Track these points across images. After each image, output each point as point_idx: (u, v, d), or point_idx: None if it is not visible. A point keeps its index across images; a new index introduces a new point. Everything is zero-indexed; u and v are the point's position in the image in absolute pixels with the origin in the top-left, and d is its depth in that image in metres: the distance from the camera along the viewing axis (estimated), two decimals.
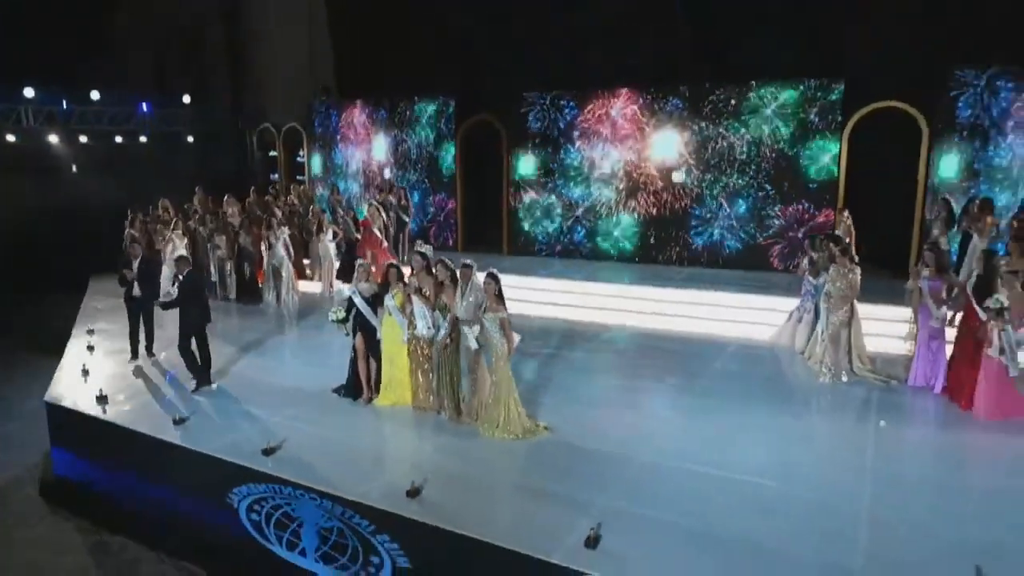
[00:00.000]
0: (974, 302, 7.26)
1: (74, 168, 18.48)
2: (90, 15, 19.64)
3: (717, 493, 5.73)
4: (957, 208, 10.88)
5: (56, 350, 12.77)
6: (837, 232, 10.43)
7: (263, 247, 12.51)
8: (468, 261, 7.16)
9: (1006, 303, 6.67)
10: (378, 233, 13.13)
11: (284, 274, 12.37)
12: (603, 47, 14.69)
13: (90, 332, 10.86)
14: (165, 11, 20.77)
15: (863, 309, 8.59)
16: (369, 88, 17.57)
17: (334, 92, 18.80)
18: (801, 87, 12.83)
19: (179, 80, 21.27)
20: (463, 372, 7.09)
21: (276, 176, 19.90)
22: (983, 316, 6.91)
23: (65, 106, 18.04)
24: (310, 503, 5.95)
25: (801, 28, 12.91)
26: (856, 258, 8.32)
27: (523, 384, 7.46)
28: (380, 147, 17.09)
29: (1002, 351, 6.63)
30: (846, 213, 11.69)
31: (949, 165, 12.08)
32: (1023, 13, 11.36)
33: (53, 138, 18.03)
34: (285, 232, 12.50)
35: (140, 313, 9.40)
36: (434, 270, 7.20)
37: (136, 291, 9.11)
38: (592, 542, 4.96)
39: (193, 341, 8.53)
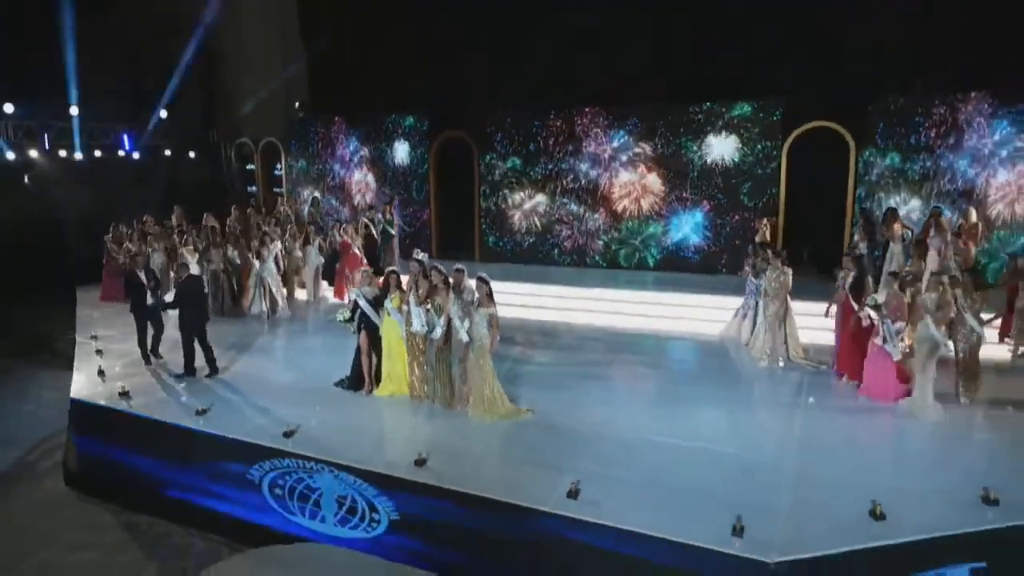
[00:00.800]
0: (851, 299, 8.67)
1: (27, 179, 18.84)
2: (64, 31, 20.08)
3: (677, 457, 6.90)
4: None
5: (44, 356, 13.49)
6: (756, 239, 11.85)
7: (254, 260, 12.93)
8: (460, 266, 8.24)
9: (880, 300, 8.03)
10: (358, 252, 13.75)
11: (274, 285, 12.96)
12: (569, 67, 15.88)
13: (93, 338, 11.55)
14: (139, 27, 21.34)
15: (798, 305, 9.92)
16: (345, 103, 18.45)
17: (309, 107, 19.59)
18: (747, 107, 14.26)
19: (156, 95, 21.81)
20: (454, 363, 8.13)
21: (254, 188, 20.63)
22: (856, 309, 8.38)
23: (45, 121, 18.52)
24: (329, 475, 6.92)
25: (748, 54, 14.33)
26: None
27: (505, 374, 8.53)
28: (357, 161, 18.02)
29: (885, 340, 7.94)
30: (765, 221, 13.07)
31: (872, 178, 13.68)
32: (938, 44, 12.94)
33: (33, 153, 18.47)
34: (278, 245, 13.20)
35: (148, 320, 10.19)
36: (430, 275, 8.24)
37: (149, 299, 9.89)
38: (574, 494, 6.06)
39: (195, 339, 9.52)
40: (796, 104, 14.11)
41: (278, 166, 20.10)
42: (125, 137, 19.84)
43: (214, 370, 9.56)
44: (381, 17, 17.98)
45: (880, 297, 8.12)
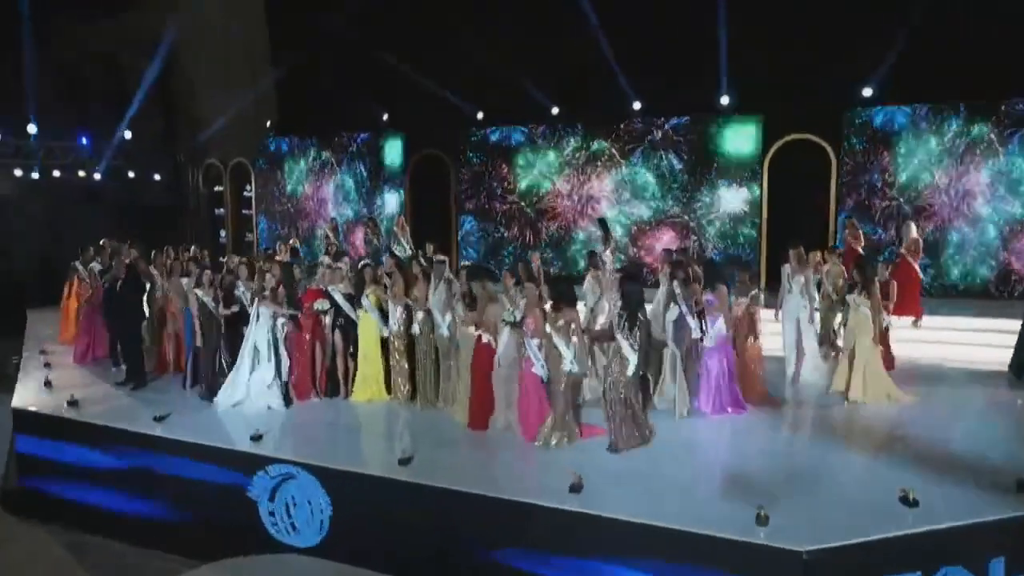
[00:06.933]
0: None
1: None
2: (16, 45, 19.46)
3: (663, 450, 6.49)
4: None
5: None
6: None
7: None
8: (441, 257, 7.74)
9: (518, 317, 6.75)
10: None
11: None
12: (542, 85, 15.74)
13: (42, 352, 10.71)
14: (99, 47, 20.81)
15: None
16: (317, 122, 18.01)
17: (280, 126, 19.08)
18: (724, 121, 14.16)
19: (114, 114, 21.16)
20: (441, 359, 7.58)
21: (221, 211, 19.97)
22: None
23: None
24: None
25: (720, 65, 14.31)
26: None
27: None
28: (330, 183, 17.58)
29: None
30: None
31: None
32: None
33: None
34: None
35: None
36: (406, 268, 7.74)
37: None
38: (577, 488, 5.49)
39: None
40: (775, 117, 14.06)
41: (248, 187, 19.50)
42: (84, 138, 19.03)
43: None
44: (355, 34, 17.73)
45: (517, 314, 6.75)
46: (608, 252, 11.04)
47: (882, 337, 8.35)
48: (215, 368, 8.03)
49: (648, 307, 6.94)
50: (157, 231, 16.34)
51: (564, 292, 6.64)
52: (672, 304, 7.72)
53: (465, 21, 15.53)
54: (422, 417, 7.56)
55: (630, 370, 6.30)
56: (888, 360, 8.54)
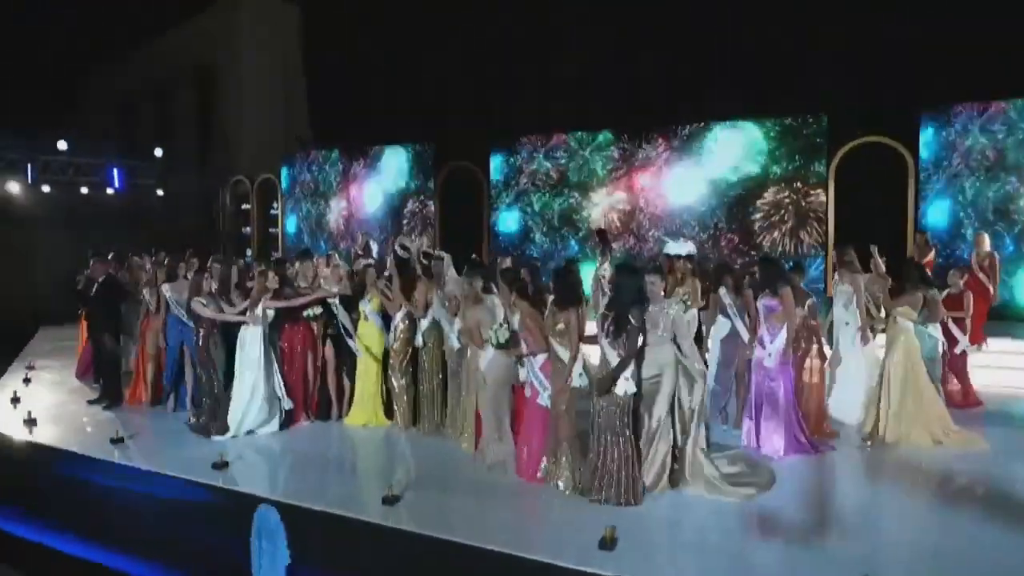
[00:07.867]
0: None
1: None
2: (59, 66, 19.41)
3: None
4: None
5: None
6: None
7: None
8: (441, 253, 6.53)
9: (504, 338, 5.47)
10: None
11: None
12: (581, 91, 14.67)
13: (29, 367, 9.83)
14: (136, 65, 20.68)
15: None
16: (346, 136, 17.30)
17: (309, 141, 18.46)
18: (781, 123, 12.69)
19: (148, 133, 20.89)
20: (450, 376, 6.30)
21: (248, 230, 19.26)
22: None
23: (29, 154, 17.43)
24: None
25: (779, 64, 12.92)
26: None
27: None
28: (359, 197, 16.69)
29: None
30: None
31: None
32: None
33: (14, 186, 17.27)
34: None
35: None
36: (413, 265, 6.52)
37: None
38: (608, 543, 4.09)
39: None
40: (841, 118, 12.51)
41: (275, 205, 18.76)
42: (115, 172, 18.62)
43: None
44: (386, 48, 17.12)
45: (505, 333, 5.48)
46: (606, 266, 9.67)
47: (953, 363, 7.06)
48: (223, 391, 6.60)
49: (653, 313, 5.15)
50: (183, 248, 15.64)
51: (568, 288, 5.21)
52: (720, 317, 6.42)
53: (493, 27, 14.71)
54: (423, 446, 6.25)
55: (619, 387, 4.73)
56: (970, 394, 7.22)
